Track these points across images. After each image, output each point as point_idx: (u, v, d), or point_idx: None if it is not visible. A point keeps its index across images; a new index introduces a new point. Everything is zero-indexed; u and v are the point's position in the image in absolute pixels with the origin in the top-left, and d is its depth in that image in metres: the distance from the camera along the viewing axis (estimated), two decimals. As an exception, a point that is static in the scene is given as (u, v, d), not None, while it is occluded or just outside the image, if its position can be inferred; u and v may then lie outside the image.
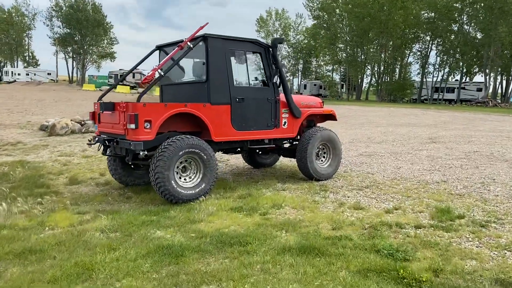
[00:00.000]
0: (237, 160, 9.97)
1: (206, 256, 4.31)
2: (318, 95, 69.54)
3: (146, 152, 6.13)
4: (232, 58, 6.95)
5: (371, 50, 66.67)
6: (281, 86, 7.44)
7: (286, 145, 8.36)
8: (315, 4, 69.90)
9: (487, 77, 56.83)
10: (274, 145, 7.70)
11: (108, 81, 72.78)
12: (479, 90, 58.11)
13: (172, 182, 6.11)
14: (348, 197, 6.78)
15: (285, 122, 7.55)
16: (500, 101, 55.88)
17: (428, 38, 64.79)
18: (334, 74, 77.84)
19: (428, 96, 62.91)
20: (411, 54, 67.67)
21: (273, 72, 7.23)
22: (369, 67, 69.22)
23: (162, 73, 6.35)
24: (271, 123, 7.34)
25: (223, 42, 6.71)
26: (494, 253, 4.43)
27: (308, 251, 4.36)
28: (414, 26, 63.11)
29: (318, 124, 8.76)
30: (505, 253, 4.45)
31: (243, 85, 7.26)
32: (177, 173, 6.31)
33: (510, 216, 5.70)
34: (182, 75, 7.41)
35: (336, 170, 8.20)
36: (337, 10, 67.66)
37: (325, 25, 69.07)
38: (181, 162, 6.33)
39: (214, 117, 6.62)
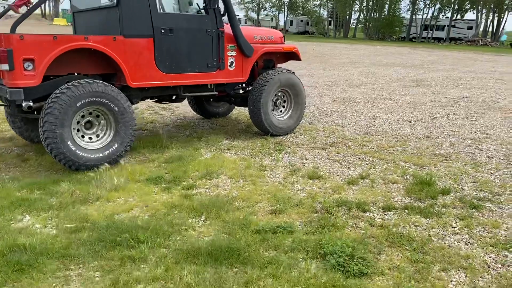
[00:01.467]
0: (186, 108, 8.39)
1: (67, 267, 2.89)
2: (304, 32, 66.75)
3: (30, 103, 4.54)
4: None
5: (361, -16, 63.15)
6: (226, 15, 5.75)
7: (240, 92, 6.79)
8: None
9: (479, 14, 54.46)
10: (217, 92, 6.12)
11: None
12: (470, 28, 55.91)
13: (69, 142, 4.58)
14: (306, 159, 5.36)
15: (232, 63, 5.93)
16: (490, 40, 53.98)
17: (420, -29, 61.31)
18: (321, 9, 74.30)
19: (417, 34, 60.50)
20: (402, -11, 64.32)
21: None
22: (357, 2, 65.94)
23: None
24: (213, 63, 5.72)
25: None
26: (490, 257, 3.10)
27: (224, 257, 2.97)
28: (407, -42, 59.37)
29: (279, 65, 7.16)
30: (506, 255, 3.12)
31: (171, 11, 5.55)
32: (78, 130, 4.77)
33: (510, 190, 4.36)
34: None
35: (298, 123, 6.72)
36: None
37: (313, -45, 64.75)
38: (83, 116, 4.77)
39: (129, 54, 4.98)
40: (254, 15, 75.18)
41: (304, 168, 5.00)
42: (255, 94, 6.17)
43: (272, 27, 72.39)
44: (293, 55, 6.83)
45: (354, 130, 6.91)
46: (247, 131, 6.77)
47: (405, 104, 9.05)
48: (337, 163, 5.23)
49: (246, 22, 74.99)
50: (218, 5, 5.62)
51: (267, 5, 75.47)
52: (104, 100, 4.73)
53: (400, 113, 8.21)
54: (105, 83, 4.79)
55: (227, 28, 5.81)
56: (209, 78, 5.75)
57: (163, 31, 5.16)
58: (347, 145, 6.04)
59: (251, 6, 74.61)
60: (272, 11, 76.86)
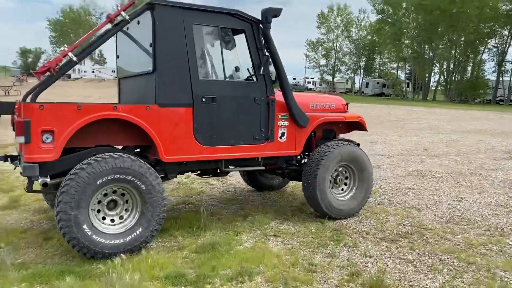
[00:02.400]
0: (239, 177, 7.65)
1: None
2: (381, 94, 65.31)
3: (47, 180, 4.01)
4: (198, 38, 4.66)
5: (440, 46, 61.24)
6: (277, 81, 5.05)
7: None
8: (379, -2, 65.57)
9: None
10: (264, 166, 5.31)
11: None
12: None
13: (84, 226, 3.95)
14: (370, 257, 4.27)
15: (283, 134, 5.14)
16: None
17: (506, 32, 58.37)
18: (399, 71, 72.83)
19: (504, 97, 56.59)
20: (486, 50, 61.37)
21: (263, 60, 4.86)
22: (437, 65, 63.79)
23: (75, 58, 4.20)
24: (260, 134, 4.96)
25: (181, 13, 4.44)
26: None
27: None
28: (491, 20, 56.96)
29: (341, 135, 6.25)
30: None
31: (214, 77, 4.95)
32: (98, 211, 4.15)
33: None
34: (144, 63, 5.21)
35: (363, 204, 5.65)
36: (403, 4, 62.86)
37: (389, 19, 64.46)
38: (105, 195, 4.15)
39: (164, 125, 4.38)
40: (329, 78, 75.45)
41: (367, 271, 3.91)
42: (310, 169, 5.27)
43: (347, 89, 72.07)
44: (357, 125, 5.91)
45: (433, 216, 5.67)
46: (302, 210, 5.82)
47: (497, 182, 7.60)
48: (410, 265, 4.08)
49: (320, 85, 75.44)
50: (268, 71, 4.95)
51: (343, 68, 75.58)
52: (129, 177, 4.10)
53: (491, 194, 6.81)
54: (133, 157, 4.18)
55: (279, 96, 5.08)
56: (255, 151, 4.97)
57: (204, 99, 4.54)
58: (425, 237, 4.85)
59: (326, 70, 75.12)
60: (348, 74, 76.74)
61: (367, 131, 5.98)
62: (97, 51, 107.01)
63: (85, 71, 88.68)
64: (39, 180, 3.98)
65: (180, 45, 4.41)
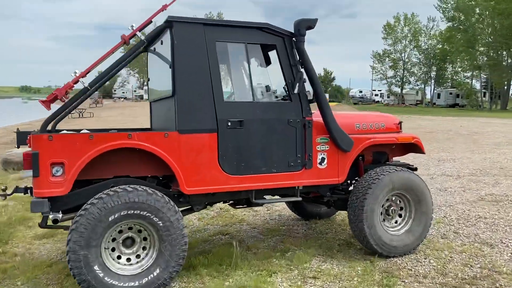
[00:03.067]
0: (284, 204, 7.08)
1: None
2: (454, 105, 61.62)
3: (59, 215, 3.72)
4: (222, 56, 4.23)
5: (520, 51, 56.76)
6: (314, 100, 4.48)
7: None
8: (449, 5, 62.26)
9: None
10: (301, 197, 4.71)
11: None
12: None
13: (95, 267, 3.60)
14: (425, 310, 3.52)
15: (322, 159, 4.53)
16: None
17: None
18: (473, 80, 68.34)
19: None
20: None
21: (298, 77, 4.32)
22: (517, 71, 59.08)
23: (88, 86, 3.91)
24: (296, 160, 4.40)
25: (203, 30, 4.04)
26: None
27: None
28: None
29: (395, 159, 5.51)
30: None
31: (242, 99, 4.47)
32: (112, 250, 3.79)
33: None
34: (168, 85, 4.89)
35: (421, 240, 4.86)
36: (476, 9, 59.20)
37: (461, 26, 60.94)
38: (120, 231, 3.79)
39: (185, 154, 3.97)
40: (397, 89, 72.63)
41: (419, 331, 3.19)
42: (357, 200, 4.61)
43: (417, 101, 68.86)
44: (413, 147, 5.15)
45: (510, 255, 4.74)
46: (350, 245, 5.13)
47: None
48: (476, 324, 3.29)
49: (388, 97, 72.78)
50: (304, 89, 4.40)
51: (412, 78, 72.40)
52: (144, 212, 3.71)
53: None
54: (150, 189, 3.79)
55: (317, 116, 4.50)
56: (291, 180, 4.41)
57: (230, 123, 4.08)
58: (498, 284, 3.98)
59: (394, 81, 72.39)
60: (417, 84, 73.36)
61: (424, 153, 5.19)
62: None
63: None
64: (51, 216, 3.70)
65: (203, 64, 4.00)
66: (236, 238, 5.49)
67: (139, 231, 3.85)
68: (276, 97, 4.61)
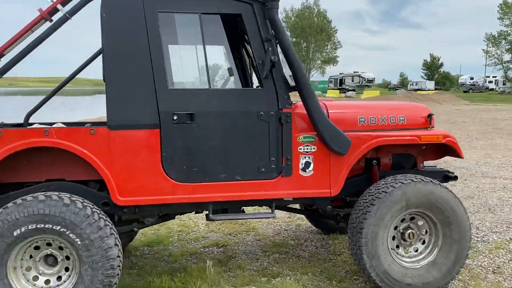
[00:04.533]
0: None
1: None
2: None
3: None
4: (167, 31, 3.35)
5: None
6: (297, 88, 3.41)
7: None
8: None
9: None
10: (273, 215, 3.64)
11: (328, 86, 72.57)
12: None
13: (-2, 291, 3.00)
14: None
15: (307, 164, 3.44)
16: None
17: None
18: None
19: None
20: None
21: (269, 55, 3.28)
22: None
23: (-2, 72, 3.29)
24: (269, 166, 3.38)
25: None
26: None
27: None
28: None
29: (430, 162, 4.18)
30: None
31: (193, 86, 3.53)
32: (28, 269, 3.16)
33: None
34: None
35: (451, 277, 3.54)
36: None
37: None
38: (37, 247, 3.15)
39: (118, 155, 3.19)
40: (515, 75, 64.60)
41: None
42: (355, 220, 3.46)
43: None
44: (449, 149, 3.79)
45: None
46: (359, 275, 3.96)
47: None
48: None
49: (504, 84, 65.09)
50: (281, 71, 3.36)
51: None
52: (58, 227, 3.02)
53: None
54: (69, 199, 3.08)
55: (298, 108, 3.43)
56: (261, 191, 3.40)
57: (176, 117, 3.21)
58: None
59: (511, 66, 64.46)
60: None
61: (461, 157, 3.79)
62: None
63: (252, 84, 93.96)
64: None
65: (140, 42, 3.17)
66: (234, 251, 4.63)
67: (60, 248, 3.18)
68: (243, 83, 3.62)
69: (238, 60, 4.03)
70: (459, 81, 75.75)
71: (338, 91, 55.13)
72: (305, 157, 3.43)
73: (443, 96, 35.53)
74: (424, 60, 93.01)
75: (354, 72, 76.57)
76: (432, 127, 3.75)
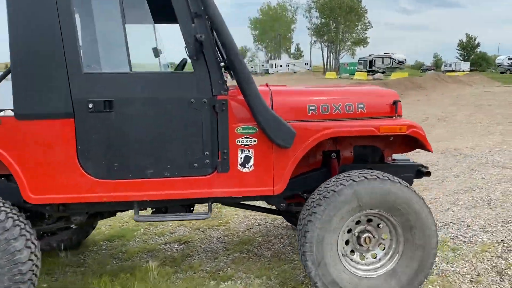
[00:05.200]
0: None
1: None
2: None
3: None
4: (81, 5, 2.98)
5: None
6: (234, 73, 2.99)
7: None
8: None
9: None
10: (205, 216, 3.24)
11: (358, 68, 70.91)
12: None
13: None
14: None
15: (247, 158, 3.04)
16: None
17: None
18: None
19: None
20: None
21: (200, 32, 2.85)
22: None
23: None
24: (203, 160, 3.00)
25: None
26: None
27: None
28: None
29: (401, 155, 3.69)
30: None
31: (112, 69, 3.14)
32: None
33: None
34: None
35: (414, 287, 3.08)
36: None
37: None
38: None
39: (28, 148, 2.88)
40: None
41: None
42: (301, 221, 3.05)
43: None
44: (417, 142, 3.29)
45: None
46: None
47: None
48: None
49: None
50: (214, 52, 2.94)
51: None
52: (-42, 227, 2.75)
53: None
54: None
55: (235, 94, 3.01)
56: (194, 189, 3.02)
57: (92, 105, 2.86)
58: None
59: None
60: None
61: (430, 150, 3.29)
62: (294, 45, 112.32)
63: (281, 66, 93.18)
64: None
65: (49, 19, 2.80)
66: (198, 248, 4.30)
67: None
68: (173, 66, 3.23)
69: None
70: (496, 61, 72.42)
71: (366, 73, 53.56)
72: (244, 151, 3.02)
73: (473, 78, 33.88)
74: (460, 40, 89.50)
75: (384, 53, 74.42)
76: (398, 116, 3.25)
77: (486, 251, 3.94)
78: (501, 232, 4.32)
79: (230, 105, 2.98)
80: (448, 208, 5.15)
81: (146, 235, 4.82)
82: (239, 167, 3.03)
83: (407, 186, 3.00)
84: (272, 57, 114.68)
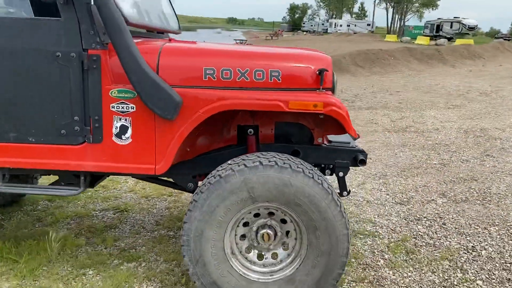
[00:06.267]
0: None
1: None
2: None
3: None
4: None
5: None
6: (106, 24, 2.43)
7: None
8: None
9: None
10: (79, 189, 2.77)
11: (424, 32, 66.60)
12: None
13: None
14: None
15: (123, 129, 2.53)
16: None
17: None
18: None
19: None
20: None
21: None
22: None
23: None
24: (72, 127, 2.53)
25: None
26: None
27: None
28: None
29: (342, 138, 3.01)
30: None
31: None
32: None
33: None
34: None
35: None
36: None
37: None
38: None
39: None
40: None
41: None
42: (188, 218, 2.52)
43: None
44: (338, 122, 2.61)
45: None
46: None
47: None
48: None
49: None
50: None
51: None
52: None
53: None
54: None
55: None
56: (62, 159, 2.57)
57: None
58: None
59: None
60: None
61: (354, 136, 2.59)
62: (358, 4, 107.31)
63: (341, 25, 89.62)
64: None
65: None
66: (113, 221, 3.93)
67: None
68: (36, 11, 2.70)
69: None
70: None
71: (428, 38, 49.98)
72: (120, 119, 2.52)
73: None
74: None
75: (454, 17, 69.06)
76: (324, 88, 2.57)
77: (447, 259, 3.27)
78: (478, 237, 3.61)
79: (104, 62, 2.45)
80: (432, 200, 4.42)
81: (89, 198, 4.52)
82: (114, 138, 2.53)
83: (313, 177, 2.38)
84: (334, 16, 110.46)
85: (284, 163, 2.38)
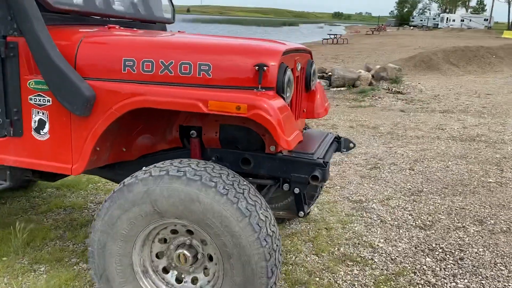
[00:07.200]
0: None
1: None
2: None
3: None
4: None
5: None
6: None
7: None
8: None
9: None
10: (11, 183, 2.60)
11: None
12: None
13: None
14: None
15: (41, 123, 2.33)
16: None
17: None
18: None
19: None
20: None
21: None
22: None
23: None
24: (-6, 119, 2.40)
25: None
26: None
27: None
28: None
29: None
30: None
31: None
32: None
33: None
34: None
35: None
36: None
37: None
38: None
39: None
40: None
41: None
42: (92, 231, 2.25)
43: None
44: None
45: None
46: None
47: None
48: None
49: None
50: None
51: None
52: None
53: None
54: None
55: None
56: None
57: None
58: None
59: None
60: None
61: (282, 146, 2.07)
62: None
63: (453, 20, 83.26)
64: None
65: None
66: (72, 221, 3.77)
67: None
68: None
69: None
70: None
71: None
72: (38, 113, 2.32)
73: None
74: None
75: None
76: (265, 88, 2.11)
77: (390, 280, 2.61)
78: (498, 281, 2.87)
79: (22, 50, 2.26)
80: (463, 226, 3.67)
81: (96, 190, 4.49)
82: (33, 133, 2.35)
83: (227, 194, 1.96)
84: (447, 11, 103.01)
85: (195, 175, 1.99)
